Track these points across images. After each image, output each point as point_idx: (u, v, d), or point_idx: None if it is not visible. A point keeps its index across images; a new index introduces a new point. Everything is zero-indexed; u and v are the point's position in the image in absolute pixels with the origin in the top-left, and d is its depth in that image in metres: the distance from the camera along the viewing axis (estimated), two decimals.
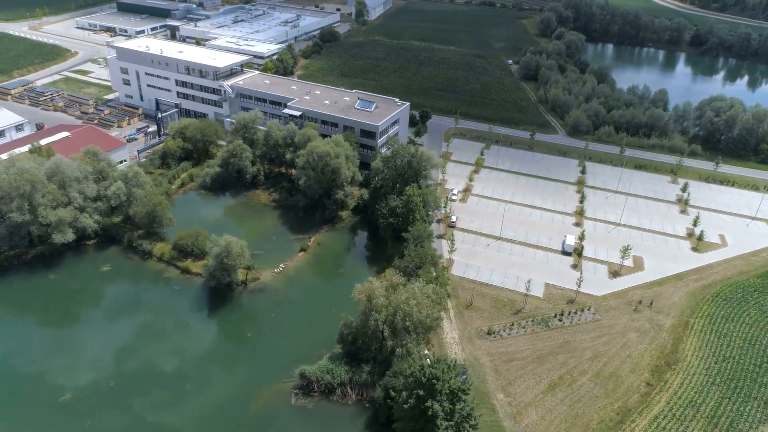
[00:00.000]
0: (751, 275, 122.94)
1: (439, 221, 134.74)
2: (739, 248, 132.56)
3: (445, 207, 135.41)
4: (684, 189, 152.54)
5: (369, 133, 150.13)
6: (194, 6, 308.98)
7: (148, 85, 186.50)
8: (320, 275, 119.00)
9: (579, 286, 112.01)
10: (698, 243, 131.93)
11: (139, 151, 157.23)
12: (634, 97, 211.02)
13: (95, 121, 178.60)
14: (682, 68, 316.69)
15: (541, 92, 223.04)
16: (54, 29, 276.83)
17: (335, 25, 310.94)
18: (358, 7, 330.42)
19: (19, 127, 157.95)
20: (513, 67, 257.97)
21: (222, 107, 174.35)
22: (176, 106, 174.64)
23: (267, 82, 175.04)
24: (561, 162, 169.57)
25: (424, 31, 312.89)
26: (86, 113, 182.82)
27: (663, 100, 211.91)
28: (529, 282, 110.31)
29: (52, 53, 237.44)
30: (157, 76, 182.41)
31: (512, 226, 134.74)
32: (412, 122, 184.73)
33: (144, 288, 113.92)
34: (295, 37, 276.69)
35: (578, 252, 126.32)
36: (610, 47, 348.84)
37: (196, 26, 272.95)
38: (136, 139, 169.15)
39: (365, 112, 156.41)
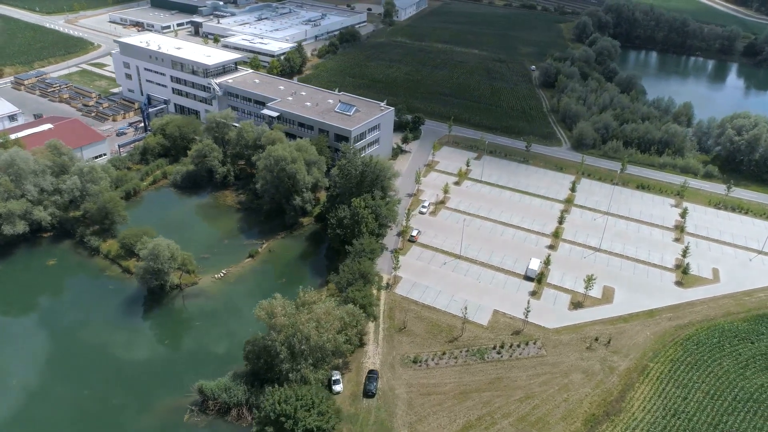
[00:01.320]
0: (738, 318, 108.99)
1: (400, 234, 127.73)
2: (732, 285, 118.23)
3: (407, 220, 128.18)
4: (683, 214, 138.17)
5: (343, 138, 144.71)
6: (221, 3, 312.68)
7: (146, 80, 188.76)
8: (261, 284, 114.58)
9: (526, 316, 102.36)
10: (684, 276, 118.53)
11: (120, 146, 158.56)
12: (655, 111, 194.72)
13: (93, 114, 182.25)
14: (733, 80, 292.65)
15: (554, 101, 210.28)
16: (88, 23, 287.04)
17: (361, 25, 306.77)
18: (387, 7, 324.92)
19: (12, 117, 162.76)
20: (535, 73, 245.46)
21: (212, 105, 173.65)
22: (165, 102, 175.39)
23: (257, 81, 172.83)
24: (555, 177, 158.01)
25: (450, 33, 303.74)
26: (87, 105, 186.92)
27: (687, 114, 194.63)
28: (465, 308, 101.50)
29: (76, 46, 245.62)
30: (154, 72, 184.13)
31: (478, 245, 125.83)
32: (406, 127, 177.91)
33: (80, 285, 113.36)
34: (315, 36, 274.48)
35: (541, 278, 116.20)
36: (654, 55, 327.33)
37: (219, 23, 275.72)
38: (125, 133, 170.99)
39: (344, 115, 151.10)
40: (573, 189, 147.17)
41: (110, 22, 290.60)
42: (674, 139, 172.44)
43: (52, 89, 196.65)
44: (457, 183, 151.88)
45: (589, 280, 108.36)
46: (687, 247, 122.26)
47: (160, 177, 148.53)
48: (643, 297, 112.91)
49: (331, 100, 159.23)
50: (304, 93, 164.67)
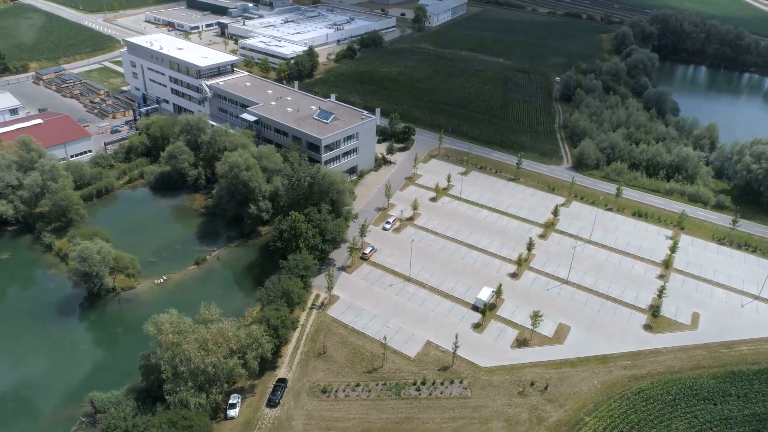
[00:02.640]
0: (708, 373, 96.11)
1: (356, 250, 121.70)
2: (712, 334, 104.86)
3: (363, 235, 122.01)
4: (674, 248, 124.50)
5: (314, 146, 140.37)
6: (250, 5, 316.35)
7: (150, 80, 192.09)
8: (197, 294, 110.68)
9: (455, 351, 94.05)
10: (654, 320, 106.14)
11: (106, 144, 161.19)
12: (673, 131, 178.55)
13: (96, 111, 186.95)
14: None
15: (567, 116, 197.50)
16: (124, 22, 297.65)
17: (389, 30, 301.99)
18: (417, 12, 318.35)
19: (13, 111, 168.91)
20: (558, 85, 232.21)
21: (204, 106, 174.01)
22: (158, 101, 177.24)
23: (248, 84, 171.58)
24: (543, 199, 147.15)
25: (479, 40, 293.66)
26: (93, 102, 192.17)
27: (711, 137, 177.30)
28: (384, 338, 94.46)
29: (103, 44, 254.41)
30: (156, 72, 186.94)
31: (434, 268, 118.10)
32: (397, 137, 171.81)
33: (22, 281, 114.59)
34: (338, 41, 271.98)
35: (491, 309, 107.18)
36: (702, 71, 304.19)
37: (243, 25, 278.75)
38: (119, 131, 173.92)
39: (321, 123, 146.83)
40: (555, 213, 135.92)
41: (146, 21, 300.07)
42: (686, 163, 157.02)
43: (66, 85, 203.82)
44: (433, 199, 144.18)
45: (536, 316, 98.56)
46: (664, 286, 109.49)
47: (137, 177, 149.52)
48: (601, 339, 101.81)
49: (314, 107, 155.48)
50: (289, 98, 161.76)
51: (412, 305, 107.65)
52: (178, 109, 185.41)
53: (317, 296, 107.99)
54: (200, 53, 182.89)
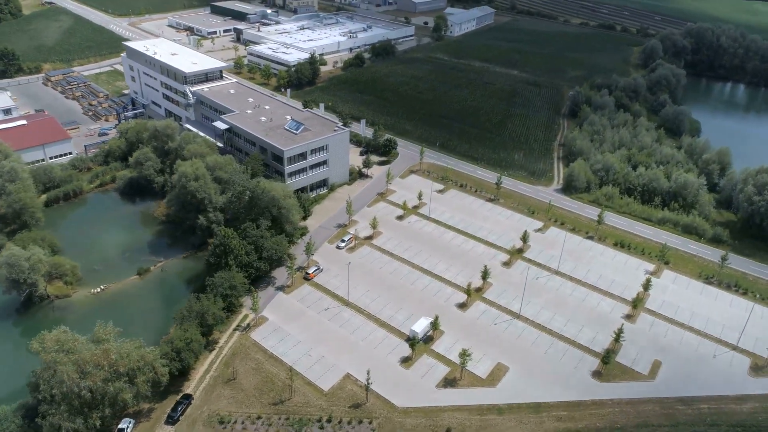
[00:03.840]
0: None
1: (299, 269, 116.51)
2: (671, 387, 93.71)
3: (308, 254, 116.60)
4: (647, 285, 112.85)
5: (279, 158, 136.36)
6: (269, 11, 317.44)
7: (145, 84, 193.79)
8: (131, 306, 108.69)
9: (368, 389, 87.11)
10: (605, 366, 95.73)
11: (86, 146, 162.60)
12: (680, 155, 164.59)
13: (90, 113, 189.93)
14: None
15: (569, 133, 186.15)
16: (148, 26, 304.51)
17: (406, 39, 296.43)
18: (437, 21, 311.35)
19: (6, 111, 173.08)
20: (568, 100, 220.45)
21: (189, 111, 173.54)
22: (143, 106, 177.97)
23: (232, 91, 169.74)
24: (520, 222, 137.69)
25: (498, 51, 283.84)
26: (91, 104, 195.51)
27: (722, 162, 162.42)
28: (291, 368, 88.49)
29: (118, 47, 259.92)
30: (150, 76, 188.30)
31: (378, 292, 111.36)
32: (380, 150, 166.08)
33: None
34: (350, 48, 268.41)
35: (426, 342, 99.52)
36: (741, 88, 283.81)
37: (258, 31, 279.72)
38: (107, 134, 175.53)
39: (290, 133, 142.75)
40: (524, 239, 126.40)
41: (168, 26, 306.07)
42: (684, 191, 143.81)
43: (70, 87, 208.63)
44: (400, 217, 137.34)
45: (464, 354, 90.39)
46: (621, 329, 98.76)
47: (108, 181, 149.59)
48: (540, 385, 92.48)
49: (288, 117, 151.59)
50: (267, 107, 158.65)
51: (342, 332, 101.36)
52: (169, 114, 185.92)
53: (245, 316, 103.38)
54: (192, 59, 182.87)
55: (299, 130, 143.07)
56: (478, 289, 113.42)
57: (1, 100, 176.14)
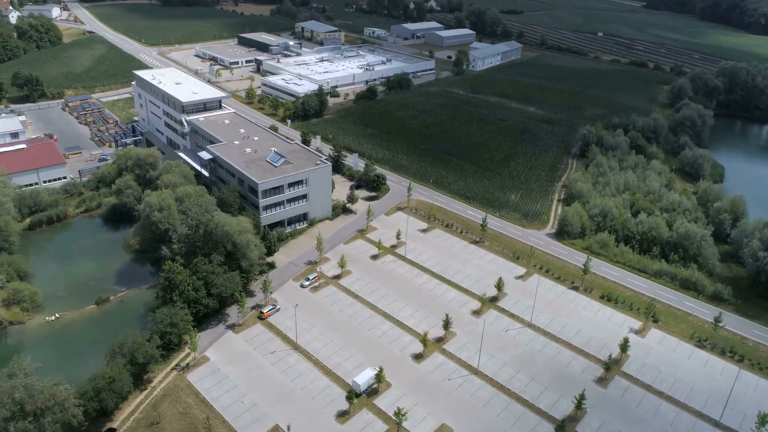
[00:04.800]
0: None
1: (255, 308, 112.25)
2: None
3: (265, 292, 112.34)
4: (624, 346, 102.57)
5: (254, 190, 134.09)
6: (291, 43, 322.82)
7: (151, 113, 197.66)
8: (81, 337, 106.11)
9: None
10: None
11: (80, 171, 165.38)
12: (688, 202, 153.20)
13: (96, 139, 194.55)
14: None
15: (571, 174, 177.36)
16: (175, 56, 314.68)
17: (426, 72, 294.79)
18: (458, 56, 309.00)
19: (14, 134, 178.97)
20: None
21: (186, 140, 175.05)
22: (141, 134, 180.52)
23: (226, 121, 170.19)
24: (500, 268, 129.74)
25: (518, 87, 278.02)
26: (99, 130, 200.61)
27: (735, 212, 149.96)
28: (207, 418, 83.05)
29: None
30: (154, 104, 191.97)
31: (331, 336, 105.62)
32: (369, 186, 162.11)
33: None
34: (366, 81, 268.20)
35: (370, 395, 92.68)
36: None
37: (278, 62, 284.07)
38: (106, 160, 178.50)
39: (271, 166, 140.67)
40: (499, 286, 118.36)
41: (195, 55, 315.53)
42: (686, 241, 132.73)
43: (84, 113, 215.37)
44: (375, 257, 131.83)
45: (399, 414, 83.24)
46: (583, 395, 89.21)
47: (95, 206, 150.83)
48: None
49: (274, 149, 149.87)
50: (256, 138, 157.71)
51: (282, 379, 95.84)
52: (170, 142, 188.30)
53: (188, 355, 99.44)
54: (194, 89, 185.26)
55: (279, 162, 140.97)
56: (440, 339, 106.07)
57: (11, 123, 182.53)
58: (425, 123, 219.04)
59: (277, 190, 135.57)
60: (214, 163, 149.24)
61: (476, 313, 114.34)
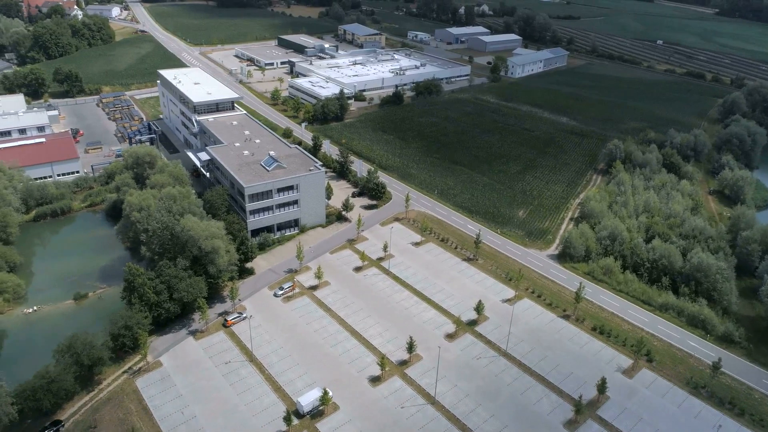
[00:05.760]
0: None
1: (222, 314, 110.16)
2: None
3: (233, 299, 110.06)
4: (602, 387, 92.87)
5: (242, 194, 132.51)
6: (326, 46, 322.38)
7: (171, 111, 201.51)
8: (52, 330, 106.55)
9: None
10: None
11: (93, 167, 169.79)
12: (711, 230, 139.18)
13: (119, 135, 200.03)
14: None
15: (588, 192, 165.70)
16: (215, 56, 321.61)
17: (460, 78, 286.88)
18: (495, 62, 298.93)
19: (41, 128, 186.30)
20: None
21: (197, 139, 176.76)
22: (155, 132, 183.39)
23: (235, 123, 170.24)
24: (489, 289, 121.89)
25: (554, 96, 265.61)
26: (124, 126, 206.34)
27: (765, 243, 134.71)
28: (132, 428, 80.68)
29: None
30: (174, 103, 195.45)
31: (290, 351, 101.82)
32: (371, 194, 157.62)
33: None
34: (396, 85, 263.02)
35: (314, 416, 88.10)
36: None
37: (310, 64, 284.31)
38: (122, 156, 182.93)
39: (263, 170, 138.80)
40: (479, 309, 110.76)
41: (234, 56, 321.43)
42: (698, 273, 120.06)
43: (114, 109, 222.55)
44: (359, 269, 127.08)
45: None
46: None
47: (99, 201, 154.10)
48: None
49: (272, 152, 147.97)
50: (258, 141, 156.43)
51: (228, 392, 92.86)
52: (186, 141, 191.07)
53: (141, 358, 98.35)
54: (209, 89, 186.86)
55: (272, 166, 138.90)
56: (403, 363, 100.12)
57: (39, 118, 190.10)
58: (445, 131, 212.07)
59: (266, 194, 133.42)
60: (212, 165, 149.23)
61: (450, 336, 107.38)
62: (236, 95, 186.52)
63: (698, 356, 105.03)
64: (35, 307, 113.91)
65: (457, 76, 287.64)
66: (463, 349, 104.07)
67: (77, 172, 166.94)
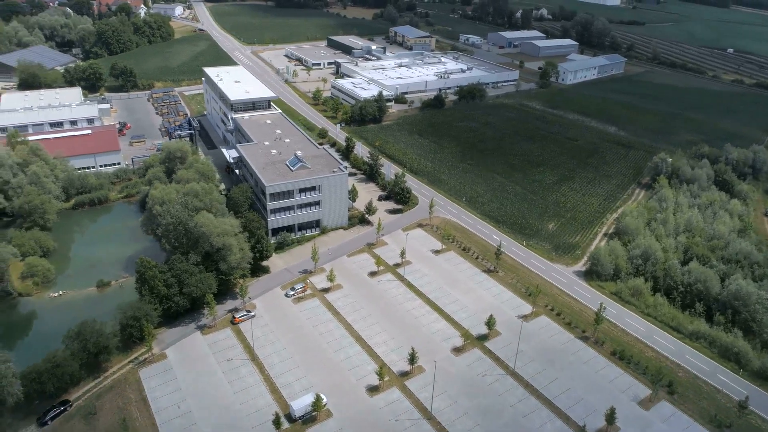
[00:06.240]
0: None
1: (232, 311, 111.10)
2: None
3: (243, 296, 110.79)
4: (611, 418, 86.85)
5: (264, 192, 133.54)
6: (374, 48, 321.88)
7: (213, 108, 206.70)
8: (73, 315, 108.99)
9: None
10: None
11: (133, 159, 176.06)
12: (757, 254, 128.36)
13: (163, 129, 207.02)
14: None
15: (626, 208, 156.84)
16: (265, 55, 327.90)
17: (507, 83, 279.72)
18: (545, 67, 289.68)
19: (89, 120, 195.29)
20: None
21: (233, 136, 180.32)
22: (192, 128, 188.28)
23: (268, 121, 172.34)
24: (505, 303, 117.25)
25: (605, 104, 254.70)
26: (168, 121, 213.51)
27: None
28: (124, 419, 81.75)
29: None
30: (215, 100, 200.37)
31: (293, 352, 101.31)
32: (396, 199, 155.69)
33: None
34: (440, 89, 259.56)
35: (306, 422, 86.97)
36: None
37: (356, 65, 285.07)
38: (160, 150, 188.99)
39: (287, 169, 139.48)
40: (490, 324, 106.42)
41: (285, 55, 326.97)
42: (737, 302, 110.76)
43: (161, 104, 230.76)
44: (373, 274, 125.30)
45: None
46: None
47: (134, 193, 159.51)
48: None
49: (299, 152, 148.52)
50: (287, 140, 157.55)
51: (226, 390, 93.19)
52: (224, 137, 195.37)
53: (149, 350, 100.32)
54: (247, 88, 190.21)
55: (296, 166, 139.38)
56: (405, 374, 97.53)
57: (89, 110, 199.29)
58: (483, 136, 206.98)
59: (288, 194, 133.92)
60: (240, 162, 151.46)
61: (457, 350, 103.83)
62: (273, 95, 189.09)
63: (727, 392, 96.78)
64: (60, 292, 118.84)
65: (504, 81, 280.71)
66: (469, 364, 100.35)
67: (118, 163, 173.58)
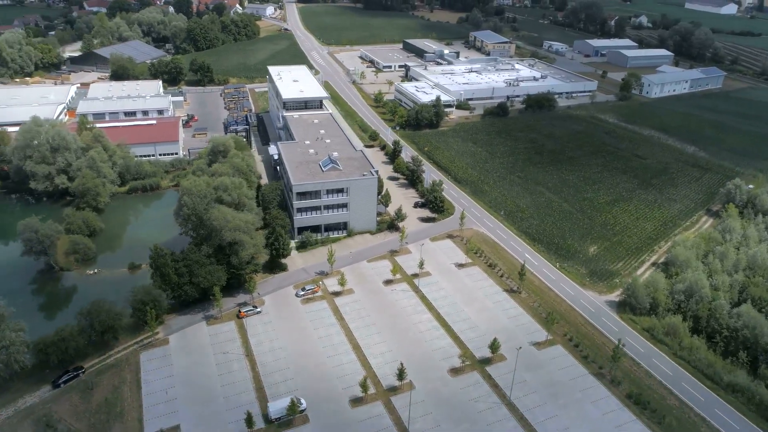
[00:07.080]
0: None
1: (240, 305, 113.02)
2: None
3: (251, 292, 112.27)
4: None
5: (290, 190, 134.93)
6: (446, 52, 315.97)
7: (272, 105, 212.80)
8: (101, 292, 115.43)
9: None
10: None
11: (189, 150, 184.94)
12: None
13: (223, 121, 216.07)
14: None
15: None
16: (340, 56, 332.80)
17: (583, 94, 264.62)
18: (627, 79, 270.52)
19: (160, 111, 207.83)
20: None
21: (284, 133, 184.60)
22: (247, 123, 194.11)
23: (315, 121, 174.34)
24: (520, 327, 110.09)
25: (690, 121, 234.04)
26: (233, 116, 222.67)
27: None
28: (105, 401, 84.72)
29: None
30: (273, 98, 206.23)
31: (288, 353, 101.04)
32: (431, 207, 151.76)
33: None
34: (508, 96, 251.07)
35: (282, 425, 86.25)
36: None
37: (425, 69, 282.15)
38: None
39: (319, 170, 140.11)
40: (494, 348, 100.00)
41: (359, 57, 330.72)
42: None
43: (230, 100, 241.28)
44: (389, 282, 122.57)
45: None
46: None
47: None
48: None
49: (335, 153, 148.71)
50: (328, 141, 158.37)
51: (213, 383, 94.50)
52: (278, 133, 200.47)
53: (155, 334, 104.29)
54: (302, 87, 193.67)
55: (327, 167, 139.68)
56: (392, 389, 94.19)
57: (161, 102, 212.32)
58: (541, 148, 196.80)
59: (315, 194, 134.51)
60: (278, 159, 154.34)
61: (455, 371, 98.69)
62: (326, 95, 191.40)
63: None
64: (96, 270, 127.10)
65: (579, 92, 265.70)
66: (463, 387, 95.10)
67: (176, 153, 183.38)
